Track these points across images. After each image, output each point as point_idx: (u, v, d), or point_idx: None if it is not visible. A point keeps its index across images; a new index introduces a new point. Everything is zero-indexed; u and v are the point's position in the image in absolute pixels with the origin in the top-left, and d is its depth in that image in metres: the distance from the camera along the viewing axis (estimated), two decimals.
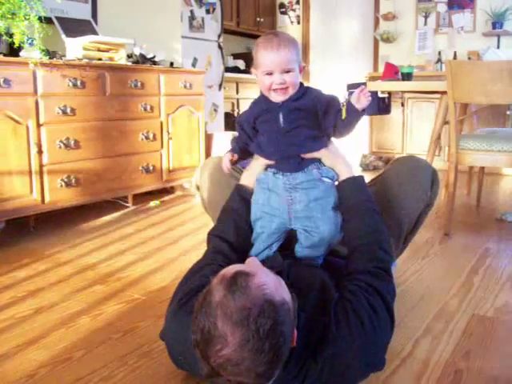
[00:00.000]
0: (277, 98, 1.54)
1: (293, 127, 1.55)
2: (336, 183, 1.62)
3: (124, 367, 1.53)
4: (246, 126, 1.65)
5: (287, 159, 1.57)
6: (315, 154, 1.58)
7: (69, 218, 3.25)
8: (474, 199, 3.74)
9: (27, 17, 2.71)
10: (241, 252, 1.59)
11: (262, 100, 1.61)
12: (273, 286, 1.04)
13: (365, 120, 5.77)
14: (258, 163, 1.65)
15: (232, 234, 1.61)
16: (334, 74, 6.35)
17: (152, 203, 3.70)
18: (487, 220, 3.25)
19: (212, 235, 1.66)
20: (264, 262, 1.50)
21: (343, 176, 1.61)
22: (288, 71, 1.50)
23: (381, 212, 1.57)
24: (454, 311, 1.87)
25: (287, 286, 1.15)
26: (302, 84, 1.57)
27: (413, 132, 5.47)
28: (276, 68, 1.50)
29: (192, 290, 1.37)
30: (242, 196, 1.67)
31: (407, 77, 3.10)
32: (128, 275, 2.31)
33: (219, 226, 1.68)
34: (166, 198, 3.92)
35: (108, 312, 1.92)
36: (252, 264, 1.16)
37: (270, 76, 1.51)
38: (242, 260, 1.50)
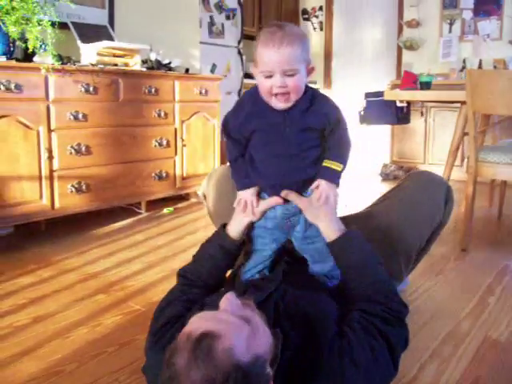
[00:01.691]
0: (277, 105, 1.31)
1: (303, 150, 1.35)
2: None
3: None
4: (237, 135, 1.40)
5: (288, 186, 1.39)
6: (296, 201, 1.39)
7: (80, 223, 3.23)
8: (495, 212, 3.62)
9: (40, 22, 2.70)
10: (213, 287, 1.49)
11: (261, 106, 1.35)
12: (243, 344, 0.90)
13: (386, 129, 5.66)
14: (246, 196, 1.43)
15: (205, 278, 1.48)
16: (356, 82, 6.26)
17: (165, 210, 3.66)
18: (508, 235, 3.13)
19: (183, 276, 1.51)
20: (261, 280, 1.44)
21: (328, 237, 1.39)
22: (291, 74, 1.27)
23: (390, 230, 1.46)
24: (465, 333, 1.78)
25: (274, 315, 1.09)
26: (307, 87, 1.35)
27: (435, 141, 5.35)
28: (276, 68, 1.26)
29: (165, 324, 1.29)
30: (225, 248, 1.48)
31: (426, 86, 3.01)
32: (132, 285, 2.26)
33: (192, 268, 1.52)
34: (180, 205, 3.88)
35: (106, 323, 1.88)
36: (225, 312, 0.97)
37: (269, 78, 1.28)
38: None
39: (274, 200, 1.40)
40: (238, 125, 1.38)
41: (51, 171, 2.81)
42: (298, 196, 1.39)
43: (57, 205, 2.86)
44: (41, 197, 2.79)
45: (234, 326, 0.91)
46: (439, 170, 3.17)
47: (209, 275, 1.46)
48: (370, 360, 1.11)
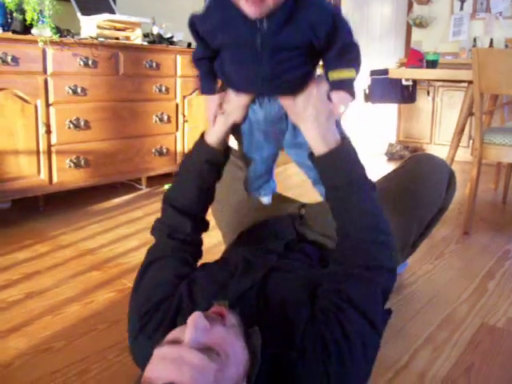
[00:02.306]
0: (248, 10, 0.99)
1: (282, 72, 1.10)
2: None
3: (101, 362, 1.47)
4: (205, 36, 1.13)
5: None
6: (281, 100, 1.19)
7: (79, 199, 3.20)
8: (501, 195, 3.56)
9: None
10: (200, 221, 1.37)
11: (232, 14, 1.03)
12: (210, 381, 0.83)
13: (392, 108, 5.57)
14: (234, 106, 1.23)
15: (194, 202, 1.34)
16: (364, 59, 6.13)
17: (166, 186, 3.62)
18: (511, 219, 3.09)
19: (168, 205, 1.35)
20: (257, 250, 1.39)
21: (315, 149, 1.21)
22: None
23: (388, 213, 1.29)
24: (462, 319, 1.75)
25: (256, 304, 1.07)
26: None
27: (442, 121, 5.26)
28: None
29: (150, 308, 1.18)
30: (211, 162, 1.32)
31: (432, 64, 2.93)
32: (127, 262, 2.24)
33: (177, 194, 1.36)
34: None
35: (99, 300, 1.87)
36: (188, 351, 0.84)
37: None
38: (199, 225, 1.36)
39: (246, 95, 1.20)
40: (205, 32, 1.12)
41: (49, 146, 2.78)
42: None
43: (55, 180, 2.83)
44: (39, 172, 2.76)
45: (199, 370, 0.81)
46: (446, 151, 3.11)
47: (198, 199, 1.34)
48: (342, 342, 1.01)
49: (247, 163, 1.39)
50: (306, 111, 1.18)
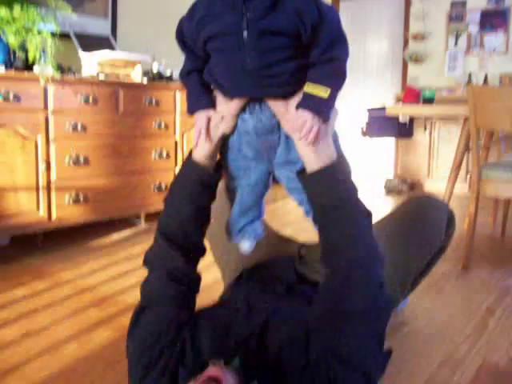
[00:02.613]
0: None
1: (268, 64, 1.06)
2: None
3: None
4: (193, 44, 1.13)
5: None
6: (272, 106, 1.14)
7: (77, 235, 3.20)
8: (499, 229, 3.56)
9: (41, 32, 2.70)
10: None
11: (217, 7, 1.06)
12: None
13: (390, 143, 5.62)
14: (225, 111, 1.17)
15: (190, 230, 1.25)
16: (361, 94, 6.24)
17: None
18: (511, 253, 3.08)
19: (162, 235, 1.25)
20: (248, 296, 1.36)
21: (307, 165, 1.15)
22: None
23: (388, 252, 1.28)
24: (462, 358, 1.73)
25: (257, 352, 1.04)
26: None
27: (439, 155, 5.30)
28: None
29: (152, 357, 1.13)
30: (202, 181, 1.23)
31: (429, 101, 2.97)
32: (125, 299, 2.23)
33: (169, 221, 1.26)
34: None
35: (97, 340, 1.85)
36: None
37: None
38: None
39: (236, 101, 1.15)
40: (191, 32, 1.11)
41: (49, 182, 2.79)
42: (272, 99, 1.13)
43: (54, 216, 2.84)
44: (38, 208, 2.77)
45: None
46: (443, 184, 3.13)
47: (193, 223, 1.25)
48: None
49: (233, 193, 1.30)
50: (299, 119, 1.11)
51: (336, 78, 1.11)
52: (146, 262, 1.30)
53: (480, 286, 2.45)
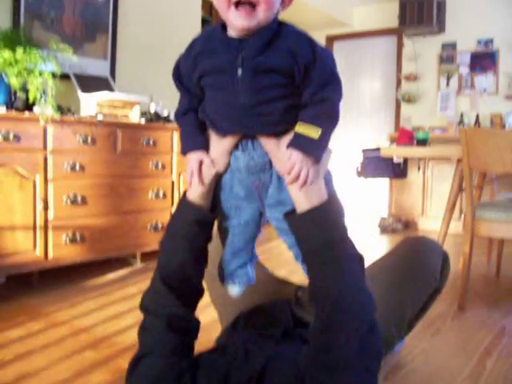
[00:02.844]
0: (237, 21, 1.03)
1: (262, 101, 1.08)
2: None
3: None
4: (189, 82, 1.16)
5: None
6: (261, 140, 1.14)
7: (73, 274, 3.19)
8: (493, 268, 3.58)
9: (42, 73, 2.75)
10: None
11: (213, 44, 1.09)
12: None
13: (384, 182, 5.67)
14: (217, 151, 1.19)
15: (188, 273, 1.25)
16: (354, 134, 6.33)
17: None
18: (506, 293, 3.09)
19: (159, 278, 1.23)
20: (249, 343, 1.37)
21: (296, 205, 1.15)
22: None
23: (380, 297, 1.27)
24: None
25: None
26: (274, 20, 1.09)
27: (433, 194, 5.35)
28: None
29: None
30: (198, 221, 1.23)
31: (422, 143, 3.03)
32: (123, 341, 2.22)
33: (167, 264, 1.25)
34: None
35: (94, 383, 1.83)
36: None
37: None
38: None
39: (231, 136, 1.15)
40: (187, 69, 1.15)
41: (46, 221, 2.80)
42: (263, 135, 1.13)
43: (50, 256, 2.84)
44: (34, 247, 2.77)
45: None
46: (437, 223, 3.16)
47: (190, 265, 1.25)
48: None
49: (225, 233, 1.30)
50: (289, 160, 1.11)
51: (328, 119, 1.12)
52: (143, 307, 1.28)
53: (476, 327, 2.45)
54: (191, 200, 1.23)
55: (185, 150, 1.22)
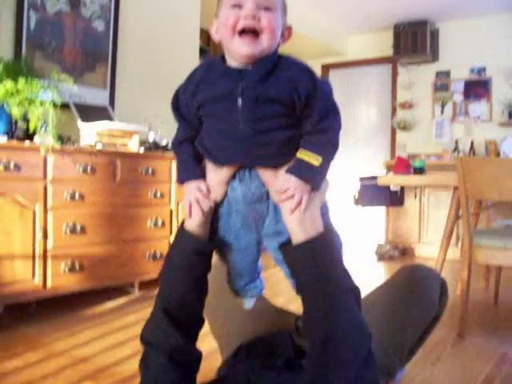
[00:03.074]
0: (241, 48, 1.06)
1: (260, 130, 1.08)
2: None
3: None
4: (186, 113, 1.18)
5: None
6: (262, 174, 1.15)
7: (71, 302, 3.18)
8: (491, 294, 3.58)
9: (43, 103, 2.78)
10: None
11: (214, 73, 1.11)
12: None
13: (380, 209, 5.70)
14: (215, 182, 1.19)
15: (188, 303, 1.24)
16: (350, 161, 6.38)
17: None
18: (505, 320, 3.09)
19: (160, 309, 1.24)
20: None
21: (292, 237, 1.15)
22: (268, 8, 1.06)
23: (381, 323, 1.31)
24: None
25: None
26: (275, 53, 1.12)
27: (429, 221, 5.38)
28: None
29: None
30: (197, 252, 1.21)
31: (419, 171, 3.06)
32: (122, 371, 2.20)
33: (167, 295, 1.25)
34: None
35: None
36: None
37: (238, 9, 1.06)
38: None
39: (227, 167, 1.15)
40: (186, 98, 1.16)
41: (45, 250, 2.81)
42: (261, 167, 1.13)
43: (49, 284, 2.83)
44: (33, 276, 2.77)
45: None
46: (434, 249, 3.18)
47: (190, 296, 1.24)
48: None
49: (225, 259, 1.30)
50: (284, 183, 1.11)
51: (328, 148, 1.13)
52: (143, 339, 1.27)
53: (476, 355, 2.45)
54: (189, 230, 1.22)
55: (181, 179, 1.23)
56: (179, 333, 1.22)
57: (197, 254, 1.22)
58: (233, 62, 1.12)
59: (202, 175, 1.20)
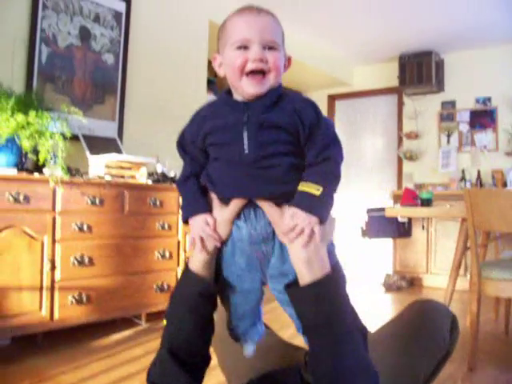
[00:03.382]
0: (249, 88, 1.09)
1: (264, 154, 1.09)
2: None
3: None
4: (192, 148, 1.18)
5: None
6: (263, 207, 1.13)
7: (78, 334, 3.16)
8: (502, 325, 3.54)
9: (52, 136, 2.81)
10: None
11: (219, 107, 1.16)
12: None
13: (388, 239, 5.69)
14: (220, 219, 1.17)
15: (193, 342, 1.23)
16: (358, 191, 6.39)
17: (165, 322, 3.59)
18: None
19: (166, 351, 1.23)
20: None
21: (299, 277, 1.13)
22: (272, 47, 1.09)
23: (388, 362, 1.27)
24: None
25: None
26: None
27: (437, 251, 5.35)
28: (255, 37, 1.07)
29: None
30: (201, 293, 1.20)
31: (426, 202, 3.06)
32: None
33: (173, 336, 1.24)
34: None
35: None
36: None
37: (244, 50, 1.08)
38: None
39: (233, 204, 1.14)
40: (192, 133, 1.17)
41: (53, 282, 2.81)
42: (266, 202, 1.12)
43: (56, 316, 2.83)
44: (40, 308, 2.77)
45: None
46: (442, 279, 3.16)
47: (196, 336, 1.23)
48: None
49: (227, 301, 1.28)
50: (290, 218, 1.10)
51: (329, 178, 1.13)
52: (150, 380, 1.26)
53: None
54: (194, 271, 1.21)
55: (188, 214, 1.20)
56: (186, 374, 1.21)
57: (201, 297, 1.21)
58: (238, 96, 1.15)
59: (207, 209, 1.19)
